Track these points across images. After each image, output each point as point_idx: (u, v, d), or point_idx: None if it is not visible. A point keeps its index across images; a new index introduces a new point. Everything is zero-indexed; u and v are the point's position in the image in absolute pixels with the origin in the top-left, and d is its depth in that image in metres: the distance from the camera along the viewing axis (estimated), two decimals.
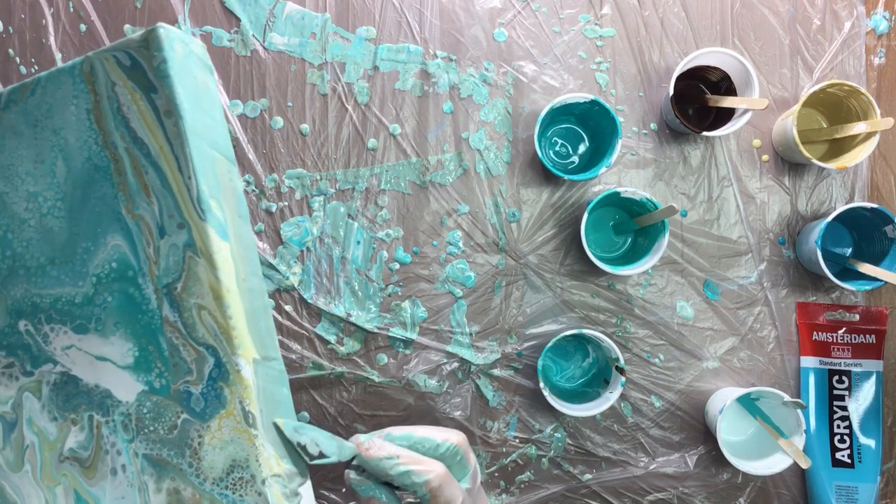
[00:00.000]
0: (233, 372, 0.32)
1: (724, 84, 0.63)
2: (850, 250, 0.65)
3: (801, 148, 0.59)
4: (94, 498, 0.36)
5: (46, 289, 0.37)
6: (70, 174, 0.35)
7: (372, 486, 0.37)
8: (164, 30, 0.33)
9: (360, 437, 0.37)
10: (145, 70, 0.33)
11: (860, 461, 0.64)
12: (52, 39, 0.62)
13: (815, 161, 0.60)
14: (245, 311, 0.33)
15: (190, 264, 0.33)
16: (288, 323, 0.63)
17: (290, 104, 0.64)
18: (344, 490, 0.63)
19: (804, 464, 0.56)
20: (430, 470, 0.37)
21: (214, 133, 0.34)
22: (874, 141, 0.59)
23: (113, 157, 0.34)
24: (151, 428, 0.35)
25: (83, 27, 0.62)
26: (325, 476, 0.64)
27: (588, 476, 0.64)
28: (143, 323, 0.35)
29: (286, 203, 0.63)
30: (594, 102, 0.59)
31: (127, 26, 0.63)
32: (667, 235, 0.59)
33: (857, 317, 0.65)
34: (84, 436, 0.36)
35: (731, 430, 0.64)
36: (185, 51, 0.34)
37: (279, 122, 0.63)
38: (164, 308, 0.34)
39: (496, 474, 0.64)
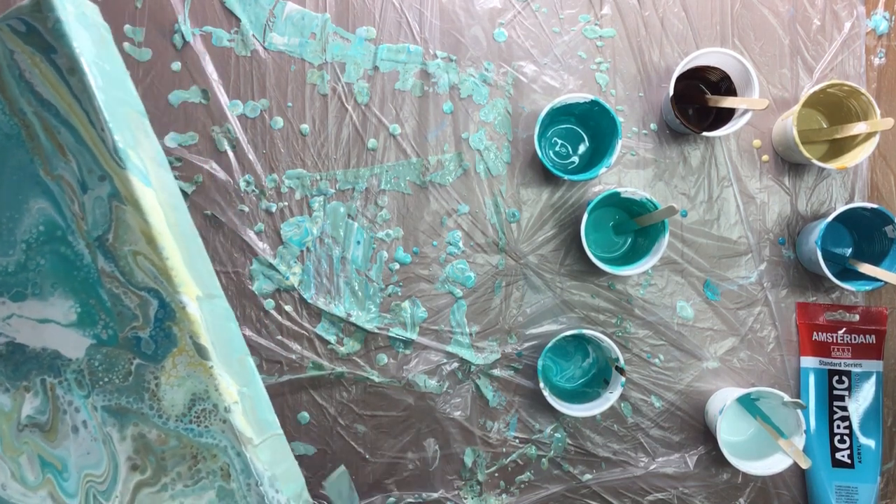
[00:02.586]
0: (178, 310, 0.33)
1: (724, 84, 0.63)
2: (850, 250, 0.65)
3: (801, 148, 0.59)
4: (59, 459, 0.36)
5: None
6: None
7: None
8: None
9: None
10: (41, 32, 0.33)
11: (860, 461, 0.64)
12: None
13: (815, 161, 0.60)
14: (181, 252, 0.33)
15: (117, 213, 0.33)
16: (288, 323, 0.63)
17: (290, 104, 0.64)
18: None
19: (804, 464, 0.56)
20: None
21: (120, 86, 0.34)
22: (874, 141, 0.59)
23: (22, 123, 0.34)
24: (106, 379, 0.35)
25: None
26: (324, 476, 0.64)
27: (588, 476, 0.64)
28: (80, 279, 0.35)
29: (286, 203, 0.63)
30: (594, 103, 0.59)
31: (127, 26, 0.63)
32: (667, 235, 0.59)
33: (857, 317, 0.65)
34: (39, 401, 0.36)
35: (731, 431, 0.64)
36: (77, 10, 0.34)
37: (279, 122, 0.63)
38: (98, 260, 0.34)
39: (496, 474, 0.64)
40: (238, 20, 0.63)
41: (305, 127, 0.64)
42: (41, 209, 0.35)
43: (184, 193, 0.62)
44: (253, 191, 0.63)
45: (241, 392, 0.33)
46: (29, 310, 0.36)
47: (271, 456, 0.33)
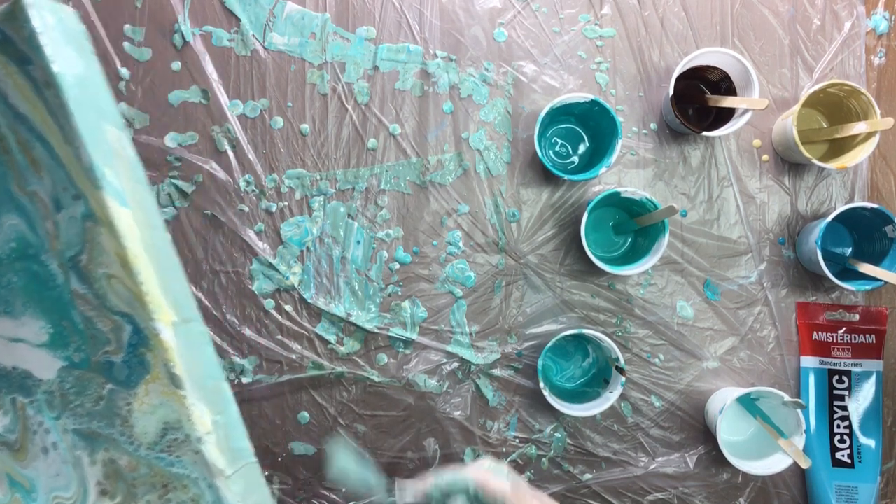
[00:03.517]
0: (152, 336, 0.32)
1: (724, 84, 0.63)
2: (850, 250, 0.65)
3: (801, 148, 0.59)
4: (28, 479, 0.35)
5: None
6: None
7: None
8: None
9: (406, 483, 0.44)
10: (16, 42, 0.32)
11: (860, 461, 0.64)
12: None
13: (815, 161, 0.60)
14: (156, 275, 0.32)
15: (92, 234, 0.32)
16: (288, 323, 0.63)
17: (290, 104, 0.64)
18: (344, 490, 0.63)
19: (804, 464, 0.56)
20: (469, 472, 0.43)
21: (98, 101, 0.33)
22: (874, 141, 0.59)
23: None
24: (77, 402, 0.34)
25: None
26: (324, 476, 0.64)
27: (588, 476, 0.64)
28: (52, 299, 0.34)
29: (286, 203, 0.63)
30: (594, 102, 0.59)
31: (127, 26, 0.63)
32: (667, 235, 0.59)
33: (857, 317, 0.65)
34: (9, 419, 0.35)
35: (731, 430, 0.64)
36: (55, 19, 0.32)
37: (279, 122, 0.63)
38: (72, 281, 0.33)
39: None
40: (238, 20, 0.63)
41: (305, 127, 0.63)
42: (13, 225, 0.34)
43: (184, 193, 0.62)
44: (253, 191, 0.63)
45: (215, 421, 0.32)
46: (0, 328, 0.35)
47: (244, 487, 0.32)
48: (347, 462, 0.49)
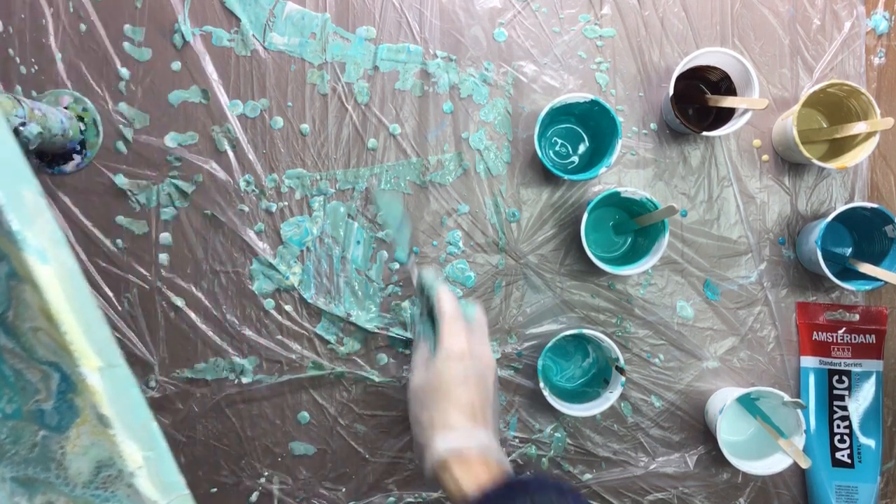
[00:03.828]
0: (79, 382, 0.33)
1: (724, 84, 0.63)
2: (850, 250, 0.65)
3: (801, 148, 0.59)
4: None
5: None
6: None
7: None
8: None
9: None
10: None
11: (860, 461, 0.64)
12: (51, 39, 0.62)
13: (815, 161, 0.60)
14: (79, 325, 0.34)
15: (17, 292, 0.34)
16: (288, 323, 0.63)
17: (290, 104, 0.64)
18: (343, 490, 0.64)
19: (804, 464, 0.56)
20: (440, 288, 0.54)
21: (15, 167, 0.34)
22: (874, 141, 0.59)
23: None
24: (13, 451, 0.36)
25: (83, 27, 0.62)
26: (324, 476, 0.64)
27: (588, 476, 0.64)
28: None
29: (286, 203, 0.63)
30: (594, 102, 0.59)
31: (127, 26, 0.63)
32: (667, 235, 0.59)
33: (857, 317, 0.65)
34: None
35: (731, 430, 0.64)
36: None
37: (279, 122, 0.63)
38: (0, 338, 0.35)
39: None
40: (238, 20, 0.63)
41: (305, 127, 0.63)
42: None
43: (184, 193, 0.62)
44: (253, 191, 0.63)
45: (145, 456, 0.34)
46: None
47: None
48: (391, 214, 0.62)
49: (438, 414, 0.49)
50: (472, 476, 0.46)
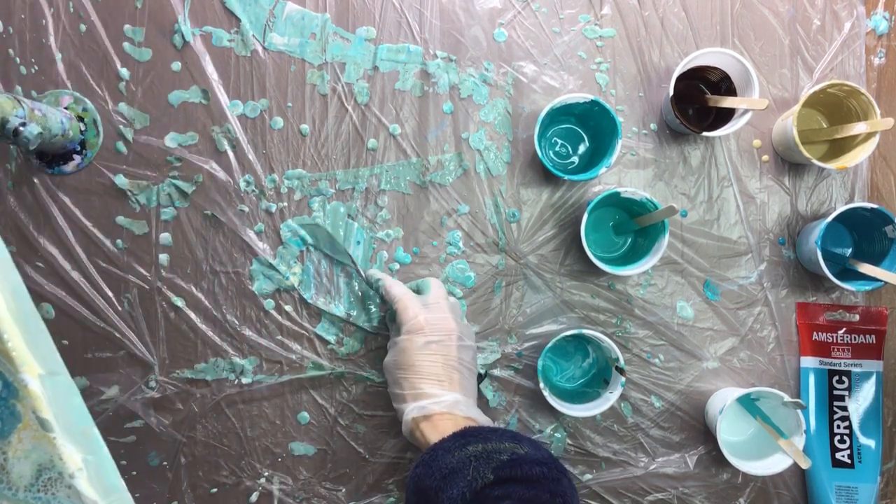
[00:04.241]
0: (20, 388, 0.35)
1: (724, 84, 0.62)
2: (850, 250, 0.65)
3: (801, 148, 0.59)
4: None
5: None
6: None
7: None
8: None
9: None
10: None
11: (860, 461, 0.64)
12: (52, 39, 0.62)
13: (815, 161, 0.60)
14: (22, 335, 0.35)
15: None
16: (288, 323, 0.63)
17: (290, 104, 0.64)
18: (343, 490, 0.64)
19: (804, 464, 0.56)
20: (385, 279, 0.60)
21: None
22: (874, 141, 0.59)
23: None
24: None
25: (83, 27, 0.62)
26: (324, 476, 0.64)
27: (588, 476, 0.64)
28: None
29: (286, 203, 0.63)
30: (594, 102, 0.59)
31: (127, 26, 0.63)
32: (667, 235, 0.59)
33: (857, 317, 0.65)
34: None
35: (731, 431, 0.64)
36: None
37: (279, 122, 0.63)
38: None
39: None
40: (238, 20, 0.63)
41: (305, 127, 0.63)
42: None
43: (184, 193, 0.62)
44: (253, 191, 0.63)
45: (85, 459, 0.36)
46: None
47: None
48: (324, 243, 0.63)
49: (408, 385, 0.55)
50: (438, 431, 0.51)
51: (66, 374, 0.37)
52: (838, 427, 0.64)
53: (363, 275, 0.62)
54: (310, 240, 0.62)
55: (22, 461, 0.36)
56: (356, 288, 0.63)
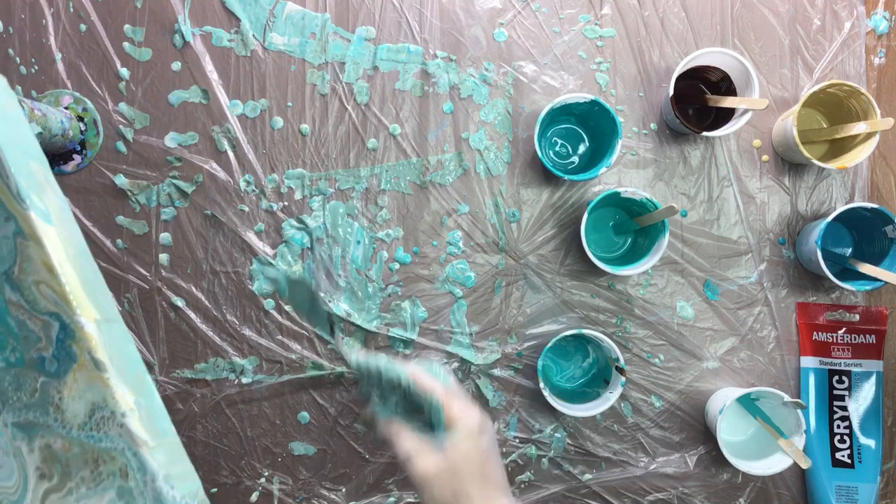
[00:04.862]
0: (77, 329, 0.36)
1: (724, 84, 0.63)
2: (850, 250, 0.65)
3: (801, 148, 0.59)
4: None
5: None
6: None
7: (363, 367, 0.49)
8: None
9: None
10: None
11: (860, 461, 0.64)
12: (52, 39, 0.62)
13: (815, 161, 0.60)
14: (79, 280, 0.37)
15: (21, 249, 0.37)
16: (288, 323, 0.63)
17: (290, 104, 0.64)
18: (343, 490, 0.64)
19: (804, 464, 0.56)
20: (405, 366, 0.48)
21: (24, 142, 0.38)
22: (874, 141, 0.59)
23: None
24: (15, 398, 0.38)
25: (83, 27, 0.62)
26: (324, 476, 0.64)
27: (588, 476, 0.64)
28: None
29: (286, 203, 0.63)
30: (594, 102, 0.59)
31: (127, 26, 0.63)
32: (667, 235, 0.59)
33: (857, 317, 0.65)
34: None
35: (731, 430, 0.64)
36: None
37: (279, 122, 0.63)
38: (6, 292, 0.38)
39: None
40: (238, 20, 0.63)
41: (305, 127, 0.64)
42: None
43: (184, 193, 0.62)
44: (253, 191, 0.63)
45: (137, 401, 0.37)
46: None
47: (167, 457, 0.36)
48: (302, 302, 0.53)
49: (480, 496, 0.45)
50: None
51: (121, 322, 0.38)
52: (838, 427, 0.64)
53: (347, 351, 0.50)
54: (285, 293, 0.52)
55: (76, 400, 0.37)
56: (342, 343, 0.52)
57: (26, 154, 0.38)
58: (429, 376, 0.48)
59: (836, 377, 0.65)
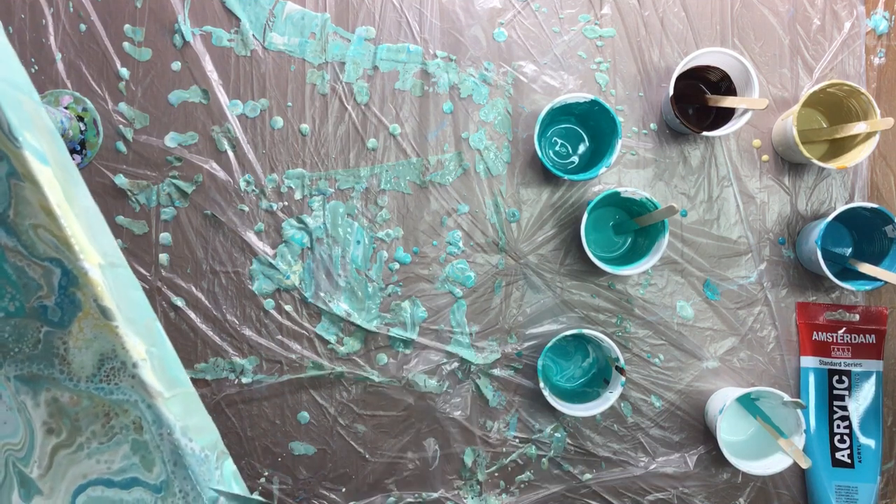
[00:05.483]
0: (81, 276, 0.34)
1: (724, 84, 0.63)
2: (850, 250, 0.65)
3: (801, 148, 0.59)
4: None
5: None
6: None
7: None
8: None
9: None
10: None
11: (860, 461, 0.64)
12: (52, 39, 0.62)
13: (815, 161, 0.60)
14: (80, 223, 0.34)
15: (16, 190, 0.34)
16: (288, 323, 0.63)
17: (290, 104, 0.64)
18: (343, 490, 0.64)
19: (804, 464, 0.56)
20: None
21: (13, 76, 0.36)
22: (874, 141, 0.59)
23: None
24: (16, 349, 0.36)
25: (83, 27, 0.62)
26: (324, 476, 0.64)
27: (588, 476, 0.64)
28: None
29: (286, 203, 0.63)
30: (594, 102, 0.59)
31: (127, 26, 0.63)
32: (667, 235, 0.59)
33: (857, 317, 0.65)
34: None
35: (731, 430, 0.64)
36: None
37: (279, 122, 0.63)
38: (1, 237, 0.35)
39: (496, 474, 0.64)
40: (238, 20, 0.63)
41: (305, 127, 0.64)
42: None
43: (184, 193, 0.62)
44: (253, 191, 0.63)
45: (149, 351, 0.35)
46: None
47: (183, 409, 0.34)
48: None
49: None
50: None
51: (127, 267, 0.36)
52: (838, 427, 0.64)
53: None
54: None
55: (83, 351, 0.35)
56: None
57: (17, 89, 0.36)
58: None
59: (835, 377, 0.65)
